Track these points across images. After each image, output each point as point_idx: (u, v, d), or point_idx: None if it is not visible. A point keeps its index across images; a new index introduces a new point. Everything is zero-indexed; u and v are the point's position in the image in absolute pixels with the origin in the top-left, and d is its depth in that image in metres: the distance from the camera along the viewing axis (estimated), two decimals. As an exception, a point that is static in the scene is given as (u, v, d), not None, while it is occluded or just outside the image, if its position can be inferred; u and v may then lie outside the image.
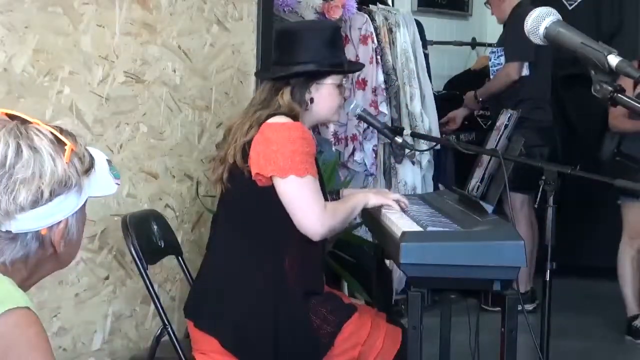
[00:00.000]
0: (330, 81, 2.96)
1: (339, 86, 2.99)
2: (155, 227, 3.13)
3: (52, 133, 1.59)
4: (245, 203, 2.87)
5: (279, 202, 2.80)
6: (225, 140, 2.95)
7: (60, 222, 1.59)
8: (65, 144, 1.59)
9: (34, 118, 1.62)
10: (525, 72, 5.36)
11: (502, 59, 5.42)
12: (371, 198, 2.95)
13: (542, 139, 5.21)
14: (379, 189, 3.64)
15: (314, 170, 2.83)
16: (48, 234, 1.58)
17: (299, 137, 2.80)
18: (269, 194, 2.80)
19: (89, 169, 1.62)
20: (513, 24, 5.31)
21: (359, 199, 2.96)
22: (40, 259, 1.61)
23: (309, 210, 2.79)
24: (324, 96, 2.96)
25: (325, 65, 2.95)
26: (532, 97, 5.29)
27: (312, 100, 2.94)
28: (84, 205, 1.66)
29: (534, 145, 4.99)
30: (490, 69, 5.53)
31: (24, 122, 1.60)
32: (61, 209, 1.58)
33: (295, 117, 2.87)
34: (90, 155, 1.64)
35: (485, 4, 5.75)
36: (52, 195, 1.56)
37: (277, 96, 2.90)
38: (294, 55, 2.95)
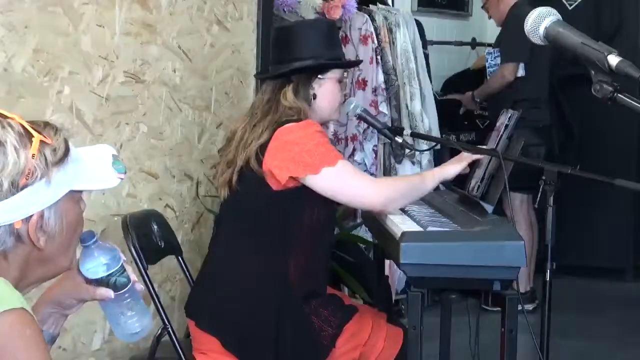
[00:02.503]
0: (331, 75, 2.96)
1: (340, 81, 2.99)
2: (155, 227, 3.13)
3: (22, 126, 1.57)
4: (255, 205, 2.85)
5: (291, 205, 2.80)
6: (229, 144, 2.93)
7: (32, 215, 1.57)
8: (33, 136, 1.57)
9: (12, 114, 1.59)
10: (521, 72, 5.37)
11: (499, 59, 5.43)
12: (449, 169, 2.92)
13: (538, 138, 5.21)
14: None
15: (340, 154, 2.85)
16: (23, 227, 1.56)
17: (315, 131, 2.80)
18: (282, 197, 2.79)
19: (61, 159, 1.59)
20: (509, 24, 5.32)
21: (431, 174, 2.92)
22: (26, 257, 1.59)
23: (358, 186, 2.80)
24: (326, 91, 2.95)
25: (325, 59, 2.95)
26: (529, 97, 5.30)
27: (314, 96, 2.94)
28: (73, 199, 1.63)
29: (531, 144, 5.00)
30: (487, 69, 5.54)
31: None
32: (31, 201, 1.55)
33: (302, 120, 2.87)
34: (66, 147, 1.61)
35: (482, 7, 5.76)
36: (15, 187, 1.53)
37: (281, 97, 2.89)
38: (293, 51, 2.95)
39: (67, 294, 1.77)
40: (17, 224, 1.55)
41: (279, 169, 2.77)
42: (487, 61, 5.55)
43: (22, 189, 1.54)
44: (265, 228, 2.84)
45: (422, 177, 2.93)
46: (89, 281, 1.73)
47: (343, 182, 2.79)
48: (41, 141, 1.56)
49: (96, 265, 1.72)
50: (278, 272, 2.81)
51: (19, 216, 1.55)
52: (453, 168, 2.93)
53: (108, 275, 1.72)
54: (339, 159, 2.80)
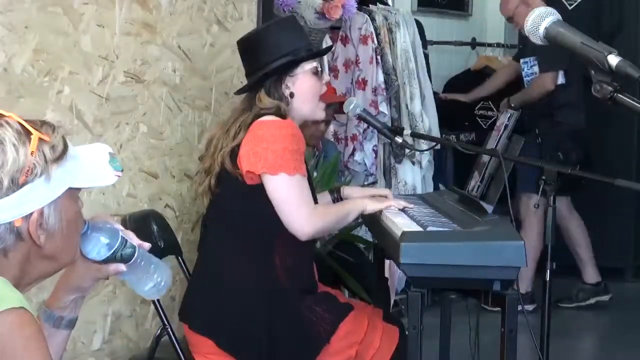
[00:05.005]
0: (302, 69, 2.94)
1: (315, 73, 2.98)
2: (155, 227, 3.13)
3: (20, 124, 1.57)
4: (234, 204, 2.87)
5: (268, 200, 2.80)
6: (207, 151, 2.95)
7: (32, 212, 1.57)
8: (32, 133, 1.57)
9: (9, 112, 1.60)
10: (561, 80, 5.35)
11: (536, 68, 5.38)
12: (368, 205, 2.93)
13: (577, 142, 5.25)
14: (378, 190, 3.61)
15: (303, 168, 2.83)
16: (24, 225, 1.56)
17: (289, 134, 2.80)
18: (258, 193, 2.81)
19: (60, 156, 1.59)
20: None
21: (355, 205, 2.94)
22: (26, 254, 1.59)
23: (297, 209, 2.79)
24: (301, 87, 2.94)
25: (289, 56, 2.92)
26: (568, 103, 5.29)
27: (292, 95, 2.93)
28: (71, 196, 1.63)
29: (571, 148, 5.08)
30: (524, 78, 5.49)
31: None
32: (31, 198, 1.55)
33: (283, 116, 2.87)
34: (64, 144, 1.62)
35: (507, 20, 5.70)
36: (15, 184, 1.53)
37: (256, 101, 2.90)
38: (257, 60, 2.94)
39: (83, 277, 1.80)
40: (17, 222, 1.55)
41: (243, 159, 2.79)
42: (523, 70, 5.49)
43: (21, 186, 1.54)
44: (247, 227, 2.86)
45: (347, 210, 2.92)
46: (98, 262, 1.76)
47: (289, 195, 2.79)
48: (40, 139, 1.56)
49: (98, 247, 1.74)
50: (264, 270, 2.83)
51: (19, 214, 1.55)
52: (374, 205, 2.92)
53: (113, 252, 1.75)
54: (299, 172, 2.79)
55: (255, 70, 2.95)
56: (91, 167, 1.66)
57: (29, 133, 1.56)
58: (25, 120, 1.59)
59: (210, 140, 2.96)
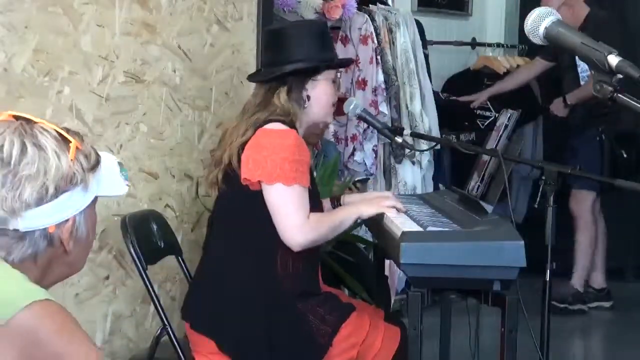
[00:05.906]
0: (325, 77, 2.96)
1: (334, 82, 3.00)
2: (155, 227, 3.14)
3: (56, 131, 1.60)
4: (238, 205, 2.87)
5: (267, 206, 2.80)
6: (220, 144, 2.96)
7: (67, 219, 1.59)
8: (70, 142, 1.59)
9: (39, 118, 1.62)
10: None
11: None
12: (364, 210, 2.91)
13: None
14: (373, 193, 3.55)
15: (303, 179, 2.81)
16: (56, 231, 1.58)
17: (292, 144, 2.80)
18: (260, 198, 2.81)
19: (94, 166, 1.62)
20: (594, 32, 5.29)
21: (349, 212, 2.92)
22: (51, 259, 1.61)
23: (289, 220, 2.78)
24: (320, 92, 2.96)
25: (318, 60, 2.95)
26: None
27: (308, 97, 2.94)
28: (93, 204, 1.66)
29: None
30: (580, 74, 5.45)
31: (29, 121, 1.60)
32: (68, 206, 1.58)
33: (292, 122, 2.87)
34: (97, 154, 1.65)
35: None
36: (58, 191, 1.56)
37: (273, 98, 2.89)
38: (286, 54, 2.95)
39: None
40: (51, 229, 1.58)
41: (243, 165, 2.80)
42: (579, 67, 5.47)
43: (62, 193, 1.57)
44: (250, 227, 2.86)
45: (341, 219, 2.89)
46: None
47: (285, 205, 2.78)
48: (76, 147, 1.58)
49: None
50: (266, 272, 2.83)
51: (57, 220, 1.58)
52: (369, 209, 2.90)
53: None
54: (298, 182, 2.78)
55: (281, 63, 2.94)
56: (110, 176, 1.69)
57: (66, 140, 1.59)
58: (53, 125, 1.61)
59: (224, 133, 2.97)
